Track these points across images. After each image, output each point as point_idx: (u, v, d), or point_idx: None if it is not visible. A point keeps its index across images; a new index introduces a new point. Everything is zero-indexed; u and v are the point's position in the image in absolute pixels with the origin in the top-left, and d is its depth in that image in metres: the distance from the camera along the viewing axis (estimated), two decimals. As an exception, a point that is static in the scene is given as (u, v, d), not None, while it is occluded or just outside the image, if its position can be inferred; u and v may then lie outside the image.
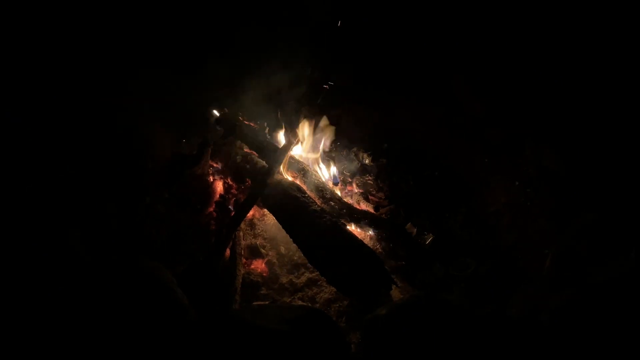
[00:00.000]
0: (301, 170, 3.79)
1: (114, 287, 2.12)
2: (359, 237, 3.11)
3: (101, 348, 1.86)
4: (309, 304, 3.13)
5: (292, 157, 3.90)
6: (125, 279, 2.18)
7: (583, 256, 2.46)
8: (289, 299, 3.20)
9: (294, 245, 3.35)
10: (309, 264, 3.23)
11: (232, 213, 3.61)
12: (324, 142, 4.17)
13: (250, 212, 3.66)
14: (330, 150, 4.34)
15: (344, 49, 4.62)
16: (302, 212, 3.24)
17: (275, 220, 3.56)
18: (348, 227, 3.29)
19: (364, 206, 3.79)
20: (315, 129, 4.07)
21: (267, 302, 3.17)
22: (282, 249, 3.54)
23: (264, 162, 3.83)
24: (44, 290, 2.09)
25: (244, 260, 3.42)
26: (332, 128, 4.16)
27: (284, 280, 3.34)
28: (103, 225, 3.29)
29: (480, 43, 4.05)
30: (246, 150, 4.10)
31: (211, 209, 3.87)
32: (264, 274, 3.39)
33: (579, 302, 1.97)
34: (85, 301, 2.03)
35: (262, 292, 3.26)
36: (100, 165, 3.76)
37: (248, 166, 3.90)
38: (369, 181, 4.10)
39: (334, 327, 2.13)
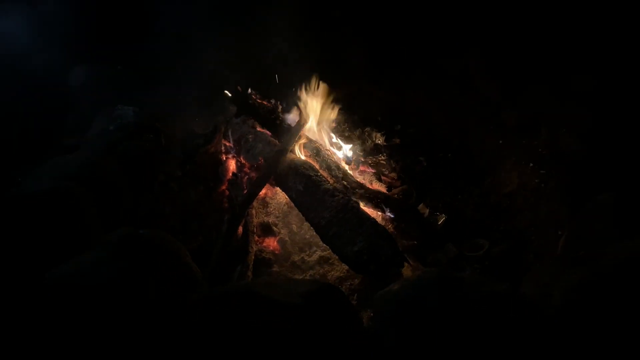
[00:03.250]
0: (314, 149, 3.79)
1: (131, 261, 2.14)
2: (371, 216, 3.11)
3: (114, 320, 1.89)
4: (321, 282, 3.15)
5: (305, 136, 3.90)
6: (141, 252, 2.20)
7: (597, 237, 2.44)
8: (301, 277, 3.23)
9: (306, 223, 3.37)
10: (320, 242, 3.24)
11: (245, 191, 3.63)
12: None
13: (263, 191, 3.68)
14: (344, 130, 4.32)
15: (358, 27, 4.57)
16: (314, 191, 3.25)
17: (288, 199, 3.58)
18: (360, 206, 3.29)
19: (376, 186, 3.78)
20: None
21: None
22: (294, 227, 3.56)
23: (277, 141, 3.83)
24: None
25: (256, 237, 3.44)
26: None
27: (295, 258, 3.36)
28: (118, 202, 3.32)
29: (496, 23, 4.00)
30: (259, 128, 4.10)
31: (224, 187, 3.89)
32: (276, 252, 3.42)
33: (592, 281, 1.96)
34: (95, 275, 2.04)
35: (274, 269, 3.29)
36: (114, 144, 3.79)
37: (261, 145, 3.91)
38: (382, 161, 4.09)
39: (346, 301, 2.14)
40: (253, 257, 3.25)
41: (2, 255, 2.30)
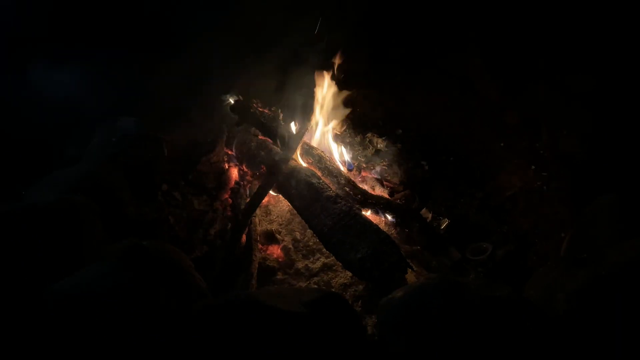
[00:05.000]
0: (316, 156, 3.80)
1: (135, 272, 2.15)
2: (374, 222, 3.11)
3: (119, 332, 1.89)
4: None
5: (306, 143, 3.91)
6: (145, 263, 2.21)
7: (600, 238, 2.44)
8: (305, 284, 3.23)
9: (310, 230, 3.38)
10: (324, 249, 3.25)
11: (248, 199, 3.64)
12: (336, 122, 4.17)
13: (266, 199, 3.68)
14: (345, 136, 4.33)
15: (358, 32, 4.59)
16: (317, 198, 3.25)
17: (291, 206, 3.59)
18: (363, 212, 3.29)
19: (378, 191, 3.79)
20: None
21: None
22: (298, 235, 3.56)
23: (279, 149, 3.85)
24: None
25: (259, 245, 3.45)
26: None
27: (299, 265, 3.36)
28: (122, 213, 3.32)
29: (496, 25, 4.01)
30: (260, 137, 4.12)
31: (227, 196, 3.91)
32: (280, 259, 3.42)
33: (596, 283, 1.96)
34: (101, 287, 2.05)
35: (278, 277, 3.30)
36: (116, 153, 3.81)
37: (263, 153, 3.92)
38: (384, 167, 4.09)
39: (350, 309, 2.14)
40: (257, 265, 3.25)
41: (7, 268, 2.32)
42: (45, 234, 2.51)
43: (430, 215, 3.56)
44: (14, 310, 1.95)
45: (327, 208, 3.15)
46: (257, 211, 3.61)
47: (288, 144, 3.70)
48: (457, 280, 2.03)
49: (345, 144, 4.21)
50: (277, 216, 3.76)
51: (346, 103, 4.12)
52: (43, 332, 1.84)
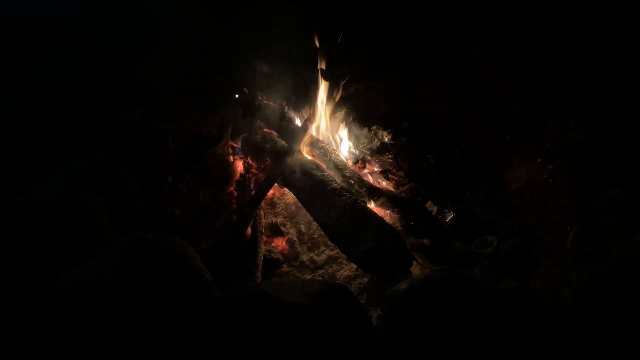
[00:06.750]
0: (321, 149, 3.80)
1: (142, 265, 2.15)
2: (379, 215, 3.11)
3: (127, 324, 1.90)
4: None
5: (311, 136, 3.91)
6: (152, 256, 2.22)
7: (606, 232, 2.43)
8: (310, 276, 3.24)
9: (315, 223, 3.38)
10: (329, 242, 3.25)
11: (253, 192, 3.64)
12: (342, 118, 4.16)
13: (271, 191, 3.69)
14: (350, 128, 4.32)
15: (364, 25, 4.56)
16: (322, 191, 3.25)
17: (296, 199, 3.59)
18: (368, 205, 3.29)
19: (384, 184, 3.79)
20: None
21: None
22: (303, 227, 3.57)
23: (284, 141, 3.85)
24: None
25: (265, 238, 3.46)
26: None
27: (304, 257, 3.37)
28: (128, 206, 3.33)
29: (503, 19, 3.98)
30: (266, 129, 4.12)
31: (232, 188, 3.91)
32: (285, 252, 3.43)
33: (602, 277, 1.95)
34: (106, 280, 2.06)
35: (283, 269, 3.31)
36: (123, 146, 3.81)
37: (268, 145, 3.92)
38: (389, 160, 4.08)
39: (356, 301, 2.15)
40: (262, 258, 3.27)
41: (12, 262, 2.33)
42: (50, 228, 2.52)
43: (435, 209, 3.56)
44: (18, 304, 1.96)
45: (332, 201, 3.15)
46: (262, 204, 3.62)
47: (293, 136, 3.70)
48: (462, 273, 2.03)
49: (351, 137, 4.20)
50: (282, 209, 3.77)
51: (350, 96, 4.12)
52: (48, 326, 1.85)
